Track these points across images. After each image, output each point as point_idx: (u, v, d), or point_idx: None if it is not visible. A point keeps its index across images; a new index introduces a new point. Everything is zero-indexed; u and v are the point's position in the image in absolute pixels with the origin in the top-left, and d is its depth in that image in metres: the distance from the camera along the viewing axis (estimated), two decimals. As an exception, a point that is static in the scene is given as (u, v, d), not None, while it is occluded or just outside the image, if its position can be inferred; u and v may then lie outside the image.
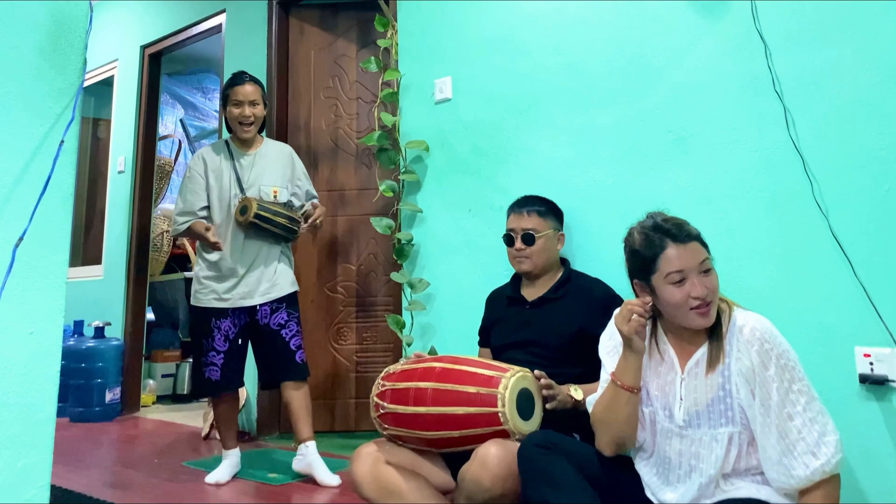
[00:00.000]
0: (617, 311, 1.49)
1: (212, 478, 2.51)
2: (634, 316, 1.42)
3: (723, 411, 1.39)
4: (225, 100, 2.69)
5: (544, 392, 1.72)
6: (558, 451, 1.46)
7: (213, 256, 2.57)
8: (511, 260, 2.10)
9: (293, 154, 2.80)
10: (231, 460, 2.58)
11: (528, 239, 2.03)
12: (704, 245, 1.43)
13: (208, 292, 2.55)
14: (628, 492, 1.49)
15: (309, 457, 2.51)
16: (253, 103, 2.66)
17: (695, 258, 1.39)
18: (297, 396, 2.57)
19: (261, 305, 2.57)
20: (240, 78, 2.69)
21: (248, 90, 2.65)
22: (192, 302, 2.60)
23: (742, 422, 1.37)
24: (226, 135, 2.79)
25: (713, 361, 1.40)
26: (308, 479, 2.50)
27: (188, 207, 2.58)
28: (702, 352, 1.43)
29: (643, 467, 1.51)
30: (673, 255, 1.39)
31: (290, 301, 2.63)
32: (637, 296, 1.49)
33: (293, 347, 2.59)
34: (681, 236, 1.40)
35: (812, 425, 1.31)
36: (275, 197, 2.61)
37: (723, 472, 1.38)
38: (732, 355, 1.39)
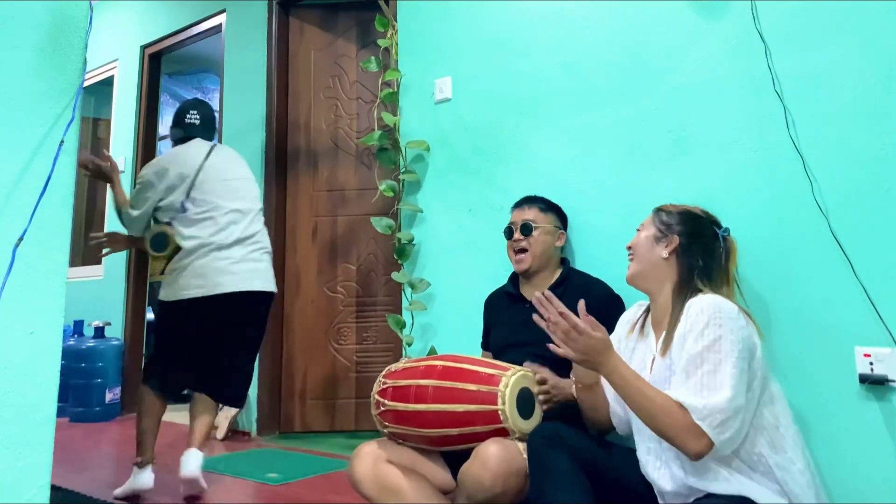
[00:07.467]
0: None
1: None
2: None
3: (667, 377, 1.43)
4: None
5: (542, 396, 1.72)
6: (562, 446, 1.46)
7: None
8: (511, 257, 2.10)
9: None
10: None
11: (526, 228, 2.05)
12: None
13: None
14: (634, 491, 1.50)
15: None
16: None
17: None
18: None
19: None
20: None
21: None
22: None
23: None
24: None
25: (667, 341, 1.45)
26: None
27: None
28: (664, 333, 1.49)
29: (641, 451, 1.53)
30: None
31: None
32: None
33: None
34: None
35: (715, 376, 1.30)
36: None
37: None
38: (680, 331, 1.42)
